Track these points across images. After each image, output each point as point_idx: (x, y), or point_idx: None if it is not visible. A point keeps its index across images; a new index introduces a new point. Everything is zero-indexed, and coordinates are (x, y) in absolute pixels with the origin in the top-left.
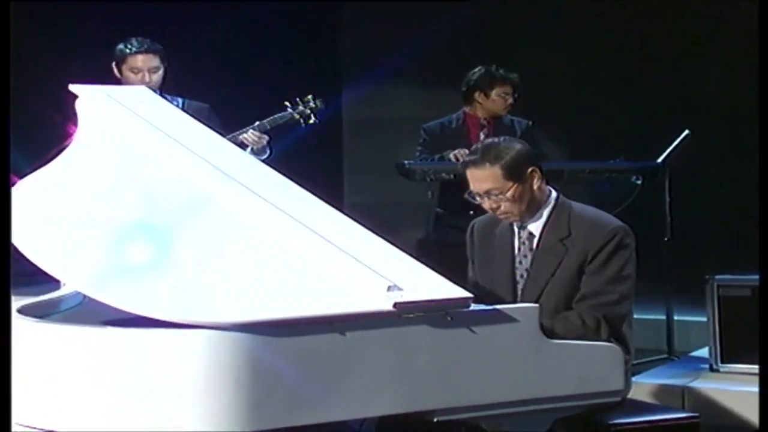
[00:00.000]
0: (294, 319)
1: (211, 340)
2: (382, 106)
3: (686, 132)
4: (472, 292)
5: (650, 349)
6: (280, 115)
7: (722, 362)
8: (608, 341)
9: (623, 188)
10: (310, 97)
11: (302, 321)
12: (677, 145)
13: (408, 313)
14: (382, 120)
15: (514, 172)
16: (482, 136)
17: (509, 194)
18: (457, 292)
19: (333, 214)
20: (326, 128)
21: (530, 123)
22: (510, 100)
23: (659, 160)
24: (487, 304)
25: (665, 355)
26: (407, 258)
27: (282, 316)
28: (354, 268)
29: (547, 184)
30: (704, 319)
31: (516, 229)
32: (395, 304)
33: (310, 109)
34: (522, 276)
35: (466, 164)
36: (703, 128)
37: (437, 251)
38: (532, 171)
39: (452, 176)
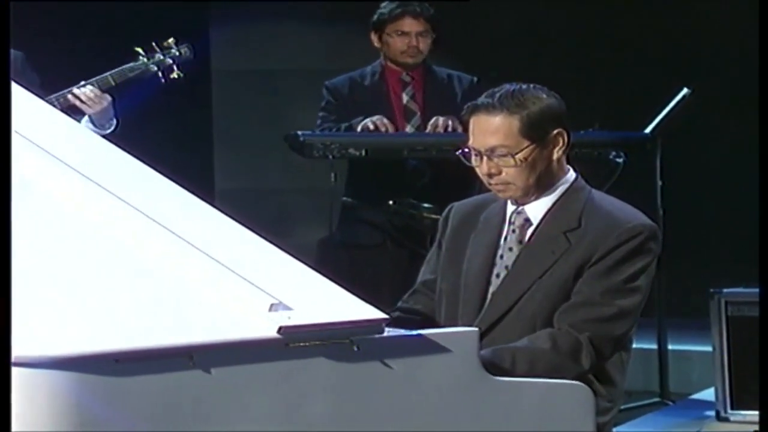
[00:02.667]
0: (139, 351)
1: (20, 381)
2: (268, 54)
3: (685, 91)
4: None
5: (637, 390)
6: (130, 65)
7: (732, 408)
8: (589, 373)
9: (599, 168)
10: (171, 41)
11: (151, 354)
12: (672, 110)
13: (298, 342)
14: (267, 73)
15: (535, 129)
16: (405, 98)
17: (520, 156)
18: (368, 312)
19: (196, 206)
20: (188, 84)
21: (474, 80)
22: (413, 42)
23: (647, 130)
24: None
25: (657, 399)
26: (300, 266)
27: (121, 348)
28: (224, 280)
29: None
30: (708, 348)
31: (509, 213)
32: (280, 329)
33: (172, 57)
34: (498, 276)
35: (475, 108)
36: (704, 88)
37: (343, 256)
38: (558, 134)
39: (364, 152)
